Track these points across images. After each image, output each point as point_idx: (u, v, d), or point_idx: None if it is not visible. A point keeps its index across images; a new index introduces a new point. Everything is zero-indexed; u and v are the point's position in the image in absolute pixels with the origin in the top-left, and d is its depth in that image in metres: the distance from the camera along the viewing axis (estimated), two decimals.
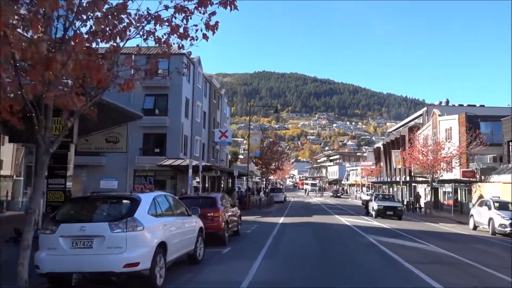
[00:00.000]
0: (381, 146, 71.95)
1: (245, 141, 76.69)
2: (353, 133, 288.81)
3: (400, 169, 60.03)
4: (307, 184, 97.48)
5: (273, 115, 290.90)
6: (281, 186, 74.27)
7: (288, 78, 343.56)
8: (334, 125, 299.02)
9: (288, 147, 54.23)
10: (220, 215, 15.01)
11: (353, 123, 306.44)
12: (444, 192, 45.57)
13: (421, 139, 46.05)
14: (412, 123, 61.68)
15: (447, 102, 60.97)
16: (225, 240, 15.01)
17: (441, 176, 37.46)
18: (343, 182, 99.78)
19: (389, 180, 66.68)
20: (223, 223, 15.01)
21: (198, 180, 37.22)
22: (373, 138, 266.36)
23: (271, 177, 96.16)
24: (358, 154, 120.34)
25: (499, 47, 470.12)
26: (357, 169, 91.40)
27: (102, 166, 33.33)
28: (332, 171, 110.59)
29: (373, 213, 30.28)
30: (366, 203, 35.02)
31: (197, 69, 37.11)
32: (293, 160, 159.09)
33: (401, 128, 65.11)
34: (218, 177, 43.28)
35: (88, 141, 15.50)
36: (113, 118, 14.92)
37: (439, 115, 46.02)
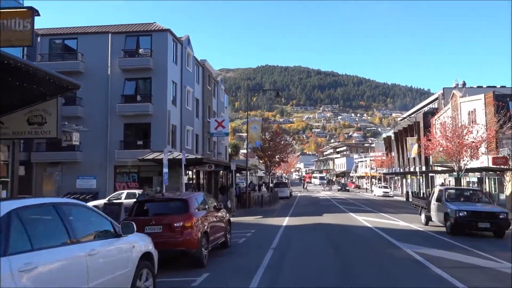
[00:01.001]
0: (392, 135, 66.70)
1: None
2: (359, 124, 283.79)
3: (415, 158, 54.94)
4: (315, 177, 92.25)
5: (277, 109, 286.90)
6: (286, 181, 69.39)
7: (292, 72, 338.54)
8: (339, 117, 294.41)
9: (292, 139, 49.41)
10: (193, 225, 10.21)
11: (358, 115, 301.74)
12: (468, 182, 40.42)
13: (440, 124, 41.00)
14: (426, 108, 56.36)
15: (464, 84, 55.46)
16: (202, 261, 10.20)
17: (469, 163, 32.32)
18: (351, 174, 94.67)
19: (401, 170, 61.53)
20: (199, 237, 10.21)
21: (191, 176, 32.44)
22: (379, 129, 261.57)
23: (277, 171, 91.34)
24: (366, 145, 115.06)
25: (503, 35, 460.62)
26: (366, 160, 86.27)
27: (77, 163, 28.60)
28: (340, 163, 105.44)
29: (447, 224, 16.45)
30: (426, 205, 19.50)
31: (185, 50, 32.18)
32: (298, 153, 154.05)
33: (414, 115, 59.81)
34: (215, 173, 38.44)
35: (3, 124, 10.67)
36: (36, 89, 10.12)
37: (461, 97, 40.80)
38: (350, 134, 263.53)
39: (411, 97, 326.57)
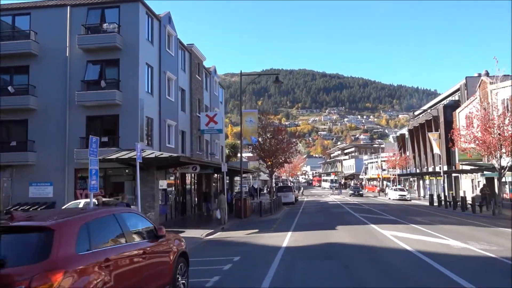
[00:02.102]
0: (407, 133, 60.34)
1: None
2: (365, 126, 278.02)
3: (434, 157, 48.56)
4: (325, 180, 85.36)
5: (283, 112, 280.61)
6: (291, 184, 63.07)
7: (297, 75, 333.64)
8: (345, 119, 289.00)
9: (295, 141, 43.59)
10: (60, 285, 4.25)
11: (365, 117, 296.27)
12: (505, 183, 34.09)
13: (468, 115, 34.69)
14: (445, 101, 50.04)
15: (487, 73, 49.12)
16: None
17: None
18: (360, 176, 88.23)
19: (418, 171, 55.08)
20: None
21: (171, 179, 26.55)
22: (386, 131, 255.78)
23: (281, 173, 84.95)
24: (375, 145, 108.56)
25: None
26: (376, 162, 79.84)
27: (30, 166, 22.77)
28: (348, 165, 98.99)
29: None
30: None
31: (165, 29, 26.33)
32: (304, 155, 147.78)
33: (430, 110, 53.47)
34: (207, 177, 32.49)
35: None
36: None
37: (491, 83, 34.52)
38: (356, 136, 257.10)
39: (418, 98, 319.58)
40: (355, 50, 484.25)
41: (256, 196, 42.16)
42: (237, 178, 69.14)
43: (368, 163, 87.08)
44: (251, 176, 65.55)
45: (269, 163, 37.52)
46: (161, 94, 25.26)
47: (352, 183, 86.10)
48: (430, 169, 50.26)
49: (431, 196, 37.04)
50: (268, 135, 37.14)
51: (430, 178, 51.23)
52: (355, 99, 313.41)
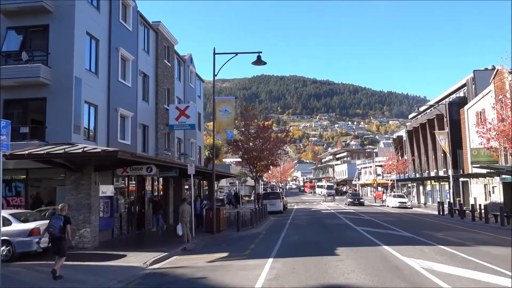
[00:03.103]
0: (405, 135, 55.02)
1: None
2: (356, 132, 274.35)
3: (439, 159, 43.26)
4: (320, 186, 78.71)
5: (274, 118, 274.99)
6: (280, 190, 57.12)
7: (287, 81, 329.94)
8: (336, 125, 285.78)
9: (284, 138, 36.54)
10: None
11: (355, 123, 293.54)
12: None
13: (472, 114, 29.53)
14: (449, 99, 44.82)
15: (494, 68, 44.11)
16: None
17: None
18: (353, 182, 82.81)
19: (418, 176, 49.71)
20: None
21: (122, 184, 20.71)
22: (377, 137, 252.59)
23: (270, 178, 79.04)
24: (368, 150, 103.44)
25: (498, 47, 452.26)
26: (371, 166, 74.53)
27: None
28: (340, 171, 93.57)
29: None
30: None
31: None
32: (295, 161, 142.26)
33: (431, 110, 48.26)
34: (177, 181, 26.65)
35: None
36: None
37: (510, 72, 29.27)
38: (347, 142, 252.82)
39: (408, 104, 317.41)
40: (345, 56, 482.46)
41: (238, 204, 36.46)
42: (222, 183, 63.34)
43: (361, 168, 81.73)
44: (237, 182, 59.70)
45: (253, 166, 31.82)
46: (111, 75, 19.47)
47: (348, 189, 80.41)
48: (432, 174, 44.94)
49: (441, 204, 31.47)
50: (252, 133, 31.47)
51: (433, 183, 45.87)
52: (346, 105, 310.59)
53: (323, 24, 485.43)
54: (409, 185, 55.50)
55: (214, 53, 20.81)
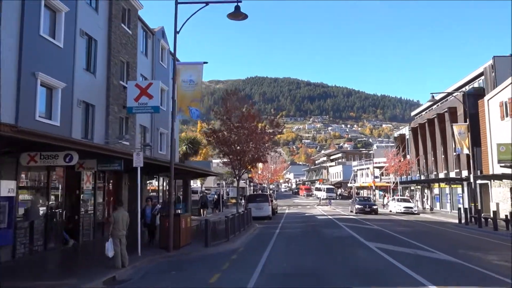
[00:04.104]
0: (408, 133, 49.39)
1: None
2: (349, 135, 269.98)
3: (451, 159, 37.69)
4: (319, 189, 71.80)
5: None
6: (270, 192, 51.10)
7: (281, 83, 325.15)
8: (329, 128, 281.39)
9: (272, 130, 29.39)
10: None
11: (349, 126, 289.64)
12: None
13: (495, 105, 23.99)
14: (460, 92, 39.24)
15: None
16: None
17: None
18: (349, 184, 77.06)
19: (423, 177, 44.10)
20: None
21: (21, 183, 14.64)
22: (370, 140, 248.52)
23: (260, 179, 72.97)
24: (363, 151, 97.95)
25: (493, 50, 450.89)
26: (368, 168, 68.91)
27: None
28: (335, 172, 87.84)
29: None
30: None
31: None
32: (288, 162, 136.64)
33: (441, 103, 42.77)
34: (132, 178, 20.62)
35: None
36: None
37: None
38: (341, 144, 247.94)
39: (401, 108, 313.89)
40: (339, 59, 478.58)
41: (216, 209, 30.58)
42: (209, 183, 57.26)
43: (358, 169, 76.09)
44: (224, 183, 53.65)
45: (235, 161, 25.94)
46: (25, 26, 13.49)
47: (352, 192, 74.06)
48: (442, 175, 39.31)
49: (465, 210, 25.57)
50: (234, 122, 25.58)
51: (441, 186, 40.23)
52: (339, 108, 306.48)
53: (317, 26, 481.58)
54: (412, 188, 49.84)
55: (177, 3, 14.89)
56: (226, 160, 26.45)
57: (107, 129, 19.06)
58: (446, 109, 36.90)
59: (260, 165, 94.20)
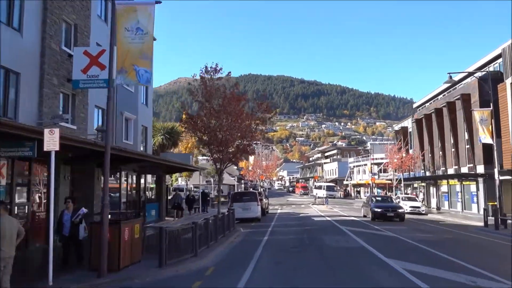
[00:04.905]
0: (411, 125, 44.95)
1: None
2: (343, 133, 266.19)
3: (463, 152, 33.34)
4: (318, 187, 66.58)
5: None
6: (261, 189, 46.40)
7: (275, 80, 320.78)
8: (323, 126, 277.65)
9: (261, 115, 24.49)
10: None
11: (342, 124, 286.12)
12: None
13: None
14: (471, 79, 34.79)
15: None
16: None
17: None
18: (345, 182, 72.68)
19: (428, 174, 39.72)
20: None
21: None
22: (364, 138, 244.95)
23: (250, 176, 68.20)
24: (359, 148, 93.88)
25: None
26: (365, 164, 64.56)
27: None
28: (330, 169, 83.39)
29: None
30: None
31: None
32: (281, 160, 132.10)
33: (451, 90, 38.42)
34: (86, 170, 15.90)
35: None
36: None
37: None
38: (334, 142, 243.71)
39: (394, 106, 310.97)
40: (333, 57, 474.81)
41: (196, 210, 25.89)
42: (195, 181, 52.40)
43: (354, 166, 71.70)
44: (212, 180, 48.85)
45: (217, 153, 21.29)
46: None
47: (348, 190, 69.34)
48: (451, 171, 34.94)
49: (494, 212, 21.00)
50: (215, 105, 20.91)
51: (451, 183, 35.82)
52: (333, 106, 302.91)
53: (311, 24, 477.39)
54: (415, 185, 45.45)
55: None
56: (205, 150, 21.74)
57: (40, 106, 14.30)
58: (458, 96, 32.47)
59: (251, 160, 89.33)
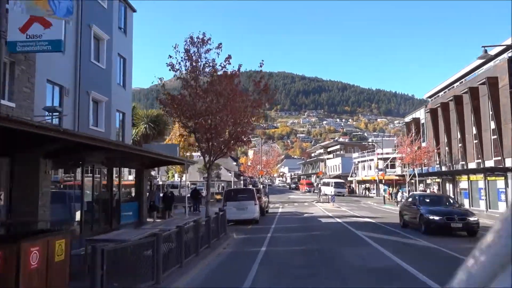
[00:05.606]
0: (424, 116, 40.77)
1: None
2: (344, 129, 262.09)
3: (491, 143, 29.24)
4: (326, 184, 62.03)
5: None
6: (260, 186, 42.30)
7: (276, 77, 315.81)
8: (324, 122, 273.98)
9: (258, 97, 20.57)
10: None
11: (344, 120, 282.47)
12: None
13: None
14: (487, 66, 30.63)
15: None
16: None
17: None
18: (349, 178, 68.57)
19: (445, 168, 35.62)
20: None
21: None
22: (365, 134, 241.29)
23: (249, 171, 64.02)
24: (364, 143, 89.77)
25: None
26: (372, 160, 60.42)
27: None
28: (333, 165, 79.24)
29: None
30: None
31: None
32: (282, 156, 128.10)
33: (472, 75, 34.30)
34: (28, 162, 11.94)
35: None
36: None
37: None
38: (336, 138, 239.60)
39: (396, 102, 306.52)
40: (334, 53, 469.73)
41: (170, 211, 21.80)
42: (194, 177, 48.40)
43: (359, 161, 67.57)
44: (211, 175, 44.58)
45: (204, 142, 17.29)
46: None
47: (352, 187, 64.51)
48: (473, 165, 30.90)
49: None
50: (202, 82, 16.89)
51: (472, 179, 31.73)
52: (334, 102, 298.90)
53: (313, 21, 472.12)
54: (428, 181, 41.36)
55: None
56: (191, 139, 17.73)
57: None
58: (483, 80, 28.31)
59: (250, 155, 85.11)
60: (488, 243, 0.58)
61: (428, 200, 18.26)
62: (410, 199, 19.21)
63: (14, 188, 11.92)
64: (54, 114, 13.59)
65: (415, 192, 30.71)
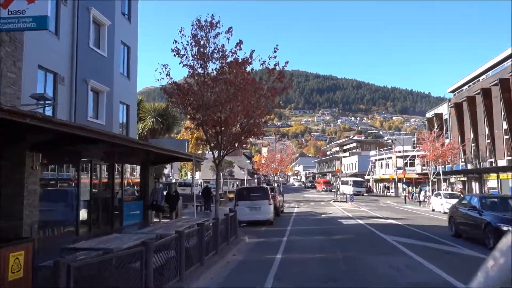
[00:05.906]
0: (448, 110, 38.40)
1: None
2: (359, 128, 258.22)
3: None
4: (344, 182, 60.00)
5: (276, 113, 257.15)
6: (275, 184, 40.51)
7: (290, 75, 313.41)
8: (339, 120, 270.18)
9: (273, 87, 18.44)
10: None
11: (358, 118, 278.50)
12: None
13: None
14: None
15: None
16: None
17: None
18: (366, 176, 66.28)
19: (471, 166, 33.32)
20: None
21: None
22: (380, 133, 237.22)
23: (263, 169, 62.10)
24: (381, 141, 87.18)
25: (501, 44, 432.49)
26: (390, 158, 58.09)
27: None
28: (349, 163, 76.99)
29: None
30: None
31: None
32: (297, 154, 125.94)
33: (497, 68, 31.95)
34: (14, 156, 10.44)
35: None
36: None
37: None
38: (351, 137, 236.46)
39: (412, 100, 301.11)
40: (348, 51, 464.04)
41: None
42: (207, 175, 46.86)
43: (376, 160, 65.22)
44: (221, 174, 43.14)
45: (213, 136, 15.66)
46: None
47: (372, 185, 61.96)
48: (503, 162, 28.60)
49: None
50: (211, 70, 15.26)
51: (502, 177, 29.40)
52: (349, 100, 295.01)
53: (327, 18, 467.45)
54: (452, 180, 39.01)
55: None
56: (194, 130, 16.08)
57: None
58: None
59: (264, 153, 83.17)
60: (509, 245, 0.58)
61: (491, 204, 13.83)
62: (464, 201, 15.47)
63: (2, 186, 10.47)
64: (46, 103, 12.06)
65: (474, 194, 23.79)
